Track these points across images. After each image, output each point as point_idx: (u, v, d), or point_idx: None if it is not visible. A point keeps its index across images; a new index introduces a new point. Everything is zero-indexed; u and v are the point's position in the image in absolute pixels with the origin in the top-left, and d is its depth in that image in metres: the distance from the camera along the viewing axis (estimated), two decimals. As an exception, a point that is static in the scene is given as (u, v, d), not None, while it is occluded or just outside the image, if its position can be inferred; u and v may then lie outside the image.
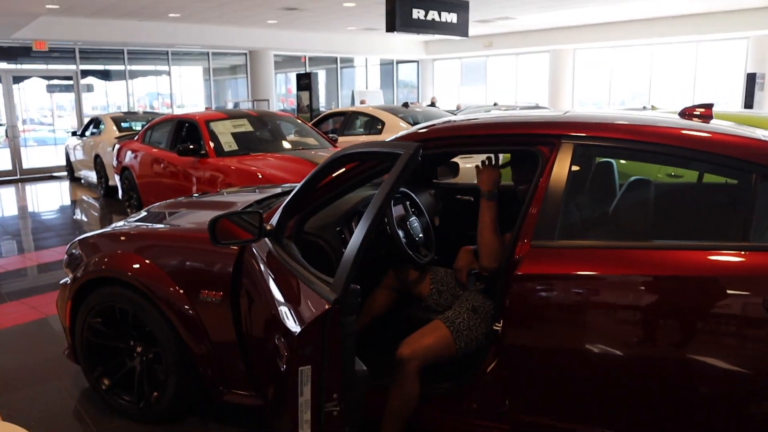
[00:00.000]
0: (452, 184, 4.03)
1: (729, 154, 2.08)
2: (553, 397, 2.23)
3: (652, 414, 2.07)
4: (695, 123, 2.39)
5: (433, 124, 2.61)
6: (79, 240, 3.32)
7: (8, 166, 13.57)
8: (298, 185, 2.57)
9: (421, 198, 3.39)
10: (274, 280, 2.16)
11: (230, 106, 17.98)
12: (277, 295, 2.05)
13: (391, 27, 9.53)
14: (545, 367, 2.21)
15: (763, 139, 2.13)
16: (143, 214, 3.66)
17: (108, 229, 3.34)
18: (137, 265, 2.90)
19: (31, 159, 14.11)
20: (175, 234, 3.05)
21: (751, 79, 14.06)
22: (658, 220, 2.44)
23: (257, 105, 16.74)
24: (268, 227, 2.45)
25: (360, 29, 17.43)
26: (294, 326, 1.77)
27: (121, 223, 3.47)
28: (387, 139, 2.54)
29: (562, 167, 2.22)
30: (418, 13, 9.61)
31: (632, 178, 2.51)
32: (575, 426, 2.21)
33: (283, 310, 1.92)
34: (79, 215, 9.50)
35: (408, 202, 3.23)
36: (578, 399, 2.19)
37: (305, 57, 19.87)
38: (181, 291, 2.80)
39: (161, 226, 3.27)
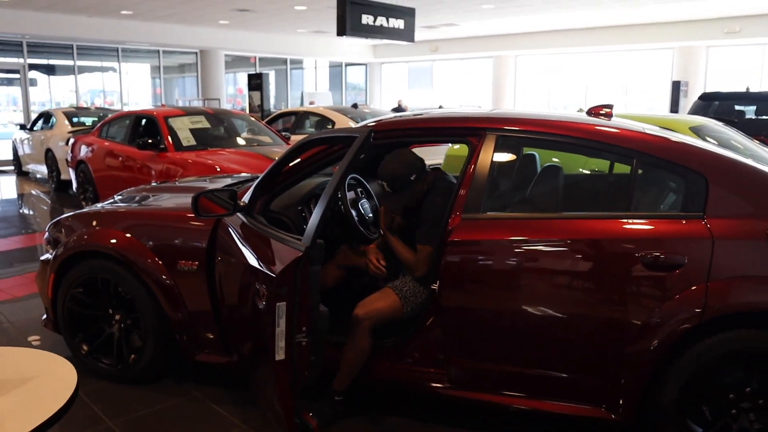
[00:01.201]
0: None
1: (615, 143, 2.62)
2: (480, 343, 2.70)
3: (556, 351, 2.57)
4: (596, 120, 2.92)
5: (381, 119, 3.08)
6: (59, 219, 3.64)
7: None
8: (266, 169, 3.00)
9: (371, 187, 3.85)
10: (249, 244, 2.58)
11: (181, 104, 18.04)
12: (254, 253, 2.47)
13: (341, 31, 9.99)
14: (473, 318, 2.69)
15: (644, 132, 2.68)
16: (116, 198, 4.00)
17: (87, 209, 3.67)
18: (119, 239, 3.25)
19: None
20: (153, 212, 3.42)
21: (676, 87, 15.13)
22: (565, 197, 2.98)
23: (208, 104, 16.89)
24: (241, 203, 2.87)
25: (310, 32, 17.80)
26: (271, 272, 2.19)
27: (98, 205, 3.80)
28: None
29: (486, 154, 2.72)
30: (367, 19, 10.10)
31: (546, 165, 3.04)
32: (500, 366, 2.69)
33: (261, 263, 2.34)
34: (33, 207, 9.56)
35: (360, 189, 3.68)
36: (501, 343, 2.67)
37: (255, 58, 20.09)
38: (160, 262, 3.17)
39: (137, 206, 3.62)
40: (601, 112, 3.11)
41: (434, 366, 2.80)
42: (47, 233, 3.66)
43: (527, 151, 3.26)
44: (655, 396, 2.46)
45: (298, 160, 2.98)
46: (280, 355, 2.10)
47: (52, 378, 1.72)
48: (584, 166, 5.84)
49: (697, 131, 5.56)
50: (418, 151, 7.84)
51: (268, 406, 2.50)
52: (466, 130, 2.84)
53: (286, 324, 2.10)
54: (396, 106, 17.81)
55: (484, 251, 2.64)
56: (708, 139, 5.45)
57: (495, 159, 2.73)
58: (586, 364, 2.55)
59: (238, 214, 2.88)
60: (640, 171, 2.59)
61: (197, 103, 17.15)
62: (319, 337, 2.27)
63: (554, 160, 4.83)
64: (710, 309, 2.31)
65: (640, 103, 17.69)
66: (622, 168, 3.29)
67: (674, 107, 14.81)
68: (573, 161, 4.80)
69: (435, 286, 2.71)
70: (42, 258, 3.64)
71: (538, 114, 2.96)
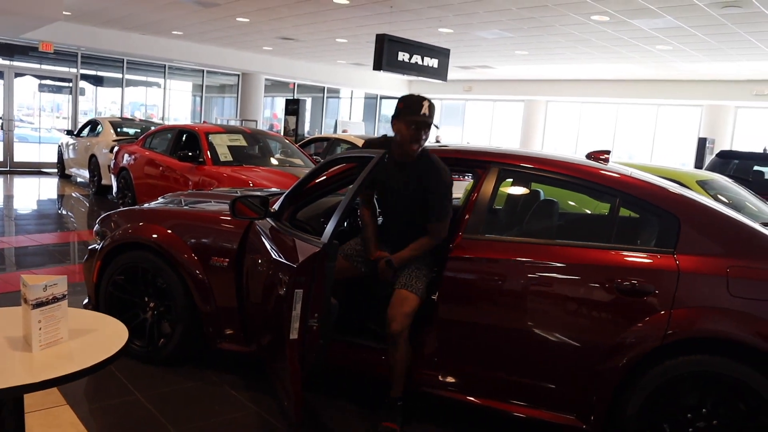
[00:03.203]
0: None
1: (602, 183, 2.98)
2: (471, 350, 3.03)
3: (536, 362, 2.89)
4: (591, 162, 3.28)
5: None
6: (109, 214, 4.09)
7: None
8: (294, 183, 3.41)
9: None
10: (276, 243, 2.98)
11: (220, 123, 18.76)
12: (279, 250, 2.87)
13: (377, 66, 10.53)
14: (468, 327, 3.01)
15: (628, 175, 3.03)
16: (160, 200, 4.45)
17: (134, 207, 4.12)
18: (160, 235, 3.67)
19: (20, 153, 14.65)
20: (193, 213, 3.85)
21: (702, 144, 15.36)
22: (558, 228, 3.33)
23: (245, 125, 17.55)
24: (272, 210, 3.28)
25: (349, 63, 18.47)
26: (293, 264, 2.58)
27: (144, 204, 4.25)
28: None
29: (489, 184, 3.10)
30: (403, 56, 10.65)
31: (543, 198, 3.40)
32: (487, 373, 3.00)
33: (285, 257, 2.74)
34: (71, 209, 10.14)
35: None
36: (488, 351, 2.99)
37: (294, 84, 20.83)
38: (196, 257, 3.57)
39: (179, 207, 4.05)
40: (600, 156, 3.47)
41: (430, 368, 3.12)
42: (97, 226, 4.10)
43: (535, 187, 3.62)
44: (620, 410, 2.75)
45: (324, 175, 3.39)
46: (293, 335, 2.47)
47: (109, 331, 2.12)
48: (595, 208, 6.18)
49: (703, 185, 5.84)
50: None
51: (284, 391, 2.82)
52: (474, 162, 3.23)
53: (302, 309, 2.48)
54: (435, 141, 18.34)
55: (480, 268, 2.99)
56: (718, 194, 5.76)
57: (496, 189, 3.10)
58: (561, 376, 2.85)
59: (268, 218, 3.29)
60: (622, 209, 2.94)
61: (235, 123, 17.84)
62: (328, 324, 2.64)
63: (571, 203, 5.19)
64: (671, 333, 2.62)
65: (665, 156, 17.92)
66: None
67: (699, 163, 15.00)
68: (588, 203, 5.09)
69: (434, 297, 3.06)
70: (90, 247, 4.08)
71: (539, 153, 3.34)
